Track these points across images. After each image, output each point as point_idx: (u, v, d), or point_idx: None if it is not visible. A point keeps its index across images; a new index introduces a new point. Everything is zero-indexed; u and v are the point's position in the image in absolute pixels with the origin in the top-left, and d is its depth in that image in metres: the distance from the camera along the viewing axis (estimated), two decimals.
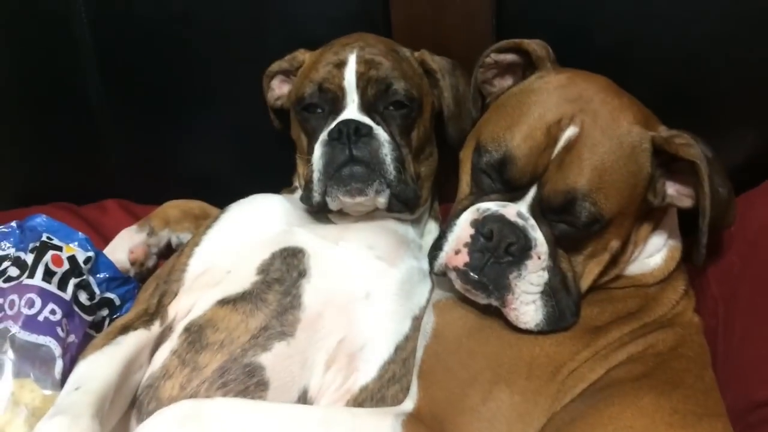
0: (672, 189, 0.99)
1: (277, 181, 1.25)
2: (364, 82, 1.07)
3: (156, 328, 0.98)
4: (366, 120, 1.04)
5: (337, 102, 1.07)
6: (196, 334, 0.97)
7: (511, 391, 0.92)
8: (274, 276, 1.01)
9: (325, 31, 1.19)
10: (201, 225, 1.20)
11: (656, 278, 1.05)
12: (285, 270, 1.02)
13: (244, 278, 1.01)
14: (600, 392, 0.92)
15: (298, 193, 1.17)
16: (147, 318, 0.99)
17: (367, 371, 0.98)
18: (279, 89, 1.25)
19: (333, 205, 1.05)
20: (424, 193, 1.13)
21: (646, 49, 1.17)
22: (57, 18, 1.31)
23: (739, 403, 1.02)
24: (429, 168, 1.15)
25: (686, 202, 0.99)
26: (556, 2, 1.19)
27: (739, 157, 1.18)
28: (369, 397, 0.97)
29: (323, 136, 1.05)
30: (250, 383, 0.94)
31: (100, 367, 0.90)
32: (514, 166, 0.93)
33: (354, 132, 1.02)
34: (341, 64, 1.08)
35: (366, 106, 1.06)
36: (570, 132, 0.92)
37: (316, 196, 1.05)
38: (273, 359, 0.95)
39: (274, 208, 1.12)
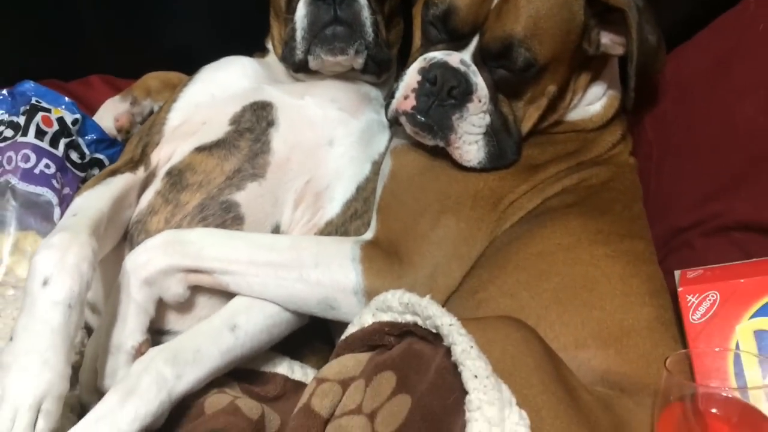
0: (606, 38, 1.07)
1: (251, 49, 1.31)
2: None
3: (141, 172, 1.08)
4: None
5: None
6: (177, 176, 1.07)
7: (457, 218, 1.03)
8: (245, 126, 1.11)
9: None
10: None
11: (595, 124, 1.15)
12: (255, 120, 1.11)
13: (218, 128, 1.10)
14: (535, 218, 1.05)
15: (270, 55, 1.24)
16: (132, 164, 1.08)
17: (332, 208, 1.09)
18: None
19: (314, 63, 1.12)
20: (393, 57, 1.20)
21: None
22: None
23: (666, 231, 1.15)
24: (396, 35, 1.23)
25: (619, 50, 1.07)
26: None
27: (677, 12, 1.24)
28: (334, 231, 1.09)
29: None
30: (227, 217, 1.05)
31: (93, 199, 0.99)
32: (456, 16, 1.01)
33: None
34: None
35: None
36: None
37: (299, 54, 1.11)
38: (246, 197, 1.06)
39: (245, 68, 1.20)
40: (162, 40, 1.50)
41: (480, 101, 1.02)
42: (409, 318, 0.83)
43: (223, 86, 1.16)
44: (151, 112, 1.40)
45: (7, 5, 1.47)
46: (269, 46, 1.28)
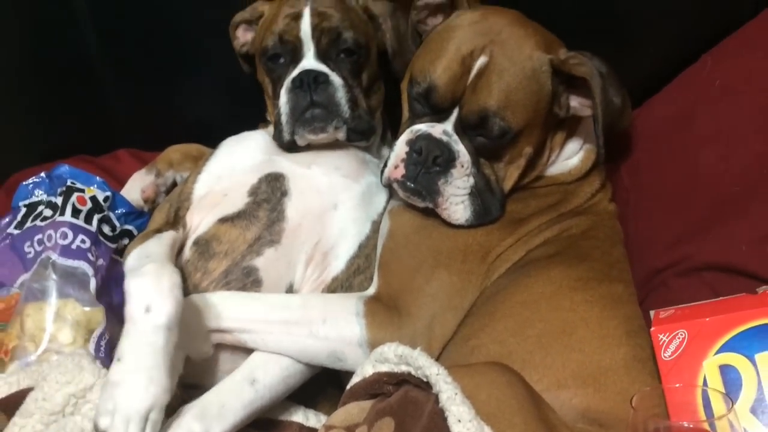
0: (575, 101, 1.18)
1: (262, 121, 1.45)
2: (318, 32, 1.24)
3: (180, 232, 1.20)
4: (322, 68, 1.23)
5: (296, 51, 1.26)
6: (204, 246, 1.19)
7: (449, 272, 1.14)
8: (262, 197, 1.22)
9: None
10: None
11: (574, 176, 1.26)
12: (270, 191, 1.23)
13: (238, 200, 1.22)
14: (520, 269, 1.15)
15: (272, 127, 1.36)
16: (169, 225, 1.21)
17: (337, 265, 1.21)
18: (243, 37, 1.41)
19: (300, 141, 1.25)
20: (375, 122, 1.32)
21: None
22: None
23: (645, 271, 1.24)
24: (377, 100, 1.35)
25: (587, 112, 1.18)
26: None
27: (645, 69, 1.36)
28: (339, 286, 1.20)
29: (287, 83, 1.23)
30: (248, 281, 1.17)
31: (153, 246, 1.11)
32: (436, 93, 1.13)
33: (313, 80, 1.21)
34: (297, 17, 1.25)
35: (321, 54, 1.24)
36: (481, 61, 1.11)
37: (286, 135, 1.24)
38: (264, 262, 1.18)
39: (258, 142, 1.33)
40: (182, 115, 1.65)
41: (463, 166, 1.13)
42: (404, 368, 0.94)
43: (240, 159, 1.29)
44: (174, 182, 1.53)
45: (38, 88, 1.63)
46: (269, 118, 1.40)
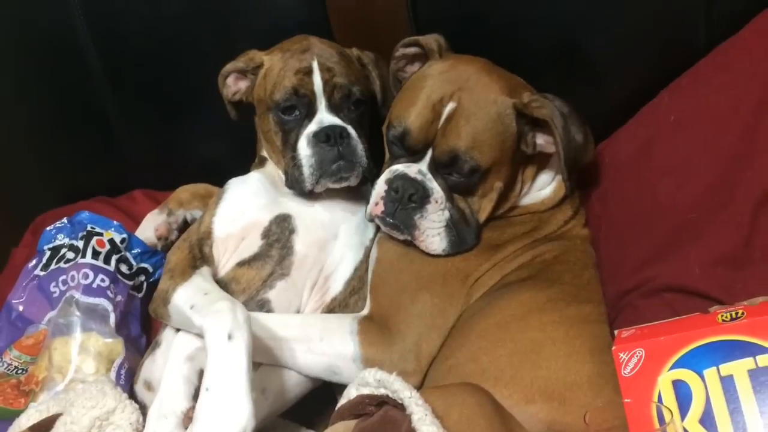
0: (541, 139, 1.28)
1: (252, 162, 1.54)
2: (329, 88, 1.32)
3: (212, 267, 1.31)
4: (340, 122, 1.31)
5: (311, 105, 1.33)
6: (224, 287, 1.27)
7: (431, 294, 1.24)
8: (274, 238, 1.33)
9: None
10: (208, 202, 1.57)
11: (547, 206, 1.35)
12: (280, 231, 1.33)
13: (253, 244, 1.33)
14: (495, 292, 1.24)
15: (269, 165, 1.45)
16: (200, 259, 1.30)
17: (336, 287, 1.32)
18: (235, 85, 1.46)
19: (319, 188, 1.32)
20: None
21: (533, 27, 1.44)
22: (67, 48, 1.60)
23: (614, 293, 1.32)
24: (366, 142, 1.43)
25: (552, 149, 1.27)
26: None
27: (611, 102, 1.46)
28: (337, 305, 1.31)
29: (309, 137, 1.30)
30: (262, 312, 1.27)
31: (202, 282, 1.23)
32: (410, 136, 1.25)
33: (338, 136, 1.30)
34: (309, 72, 1.32)
35: (334, 108, 1.33)
36: (450, 107, 1.22)
37: (308, 186, 1.31)
38: (276, 294, 1.29)
39: (259, 185, 1.41)
40: (190, 157, 1.76)
41: (437, 202, 1.24)
42: (382, 391, 1.05)
43: (248, 202, 1.37)
44: (185, 220, 1.65)
45: (59, 137, 1.77)
46: (265, 155, 1.46)
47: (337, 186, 1.33)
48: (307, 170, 1.31)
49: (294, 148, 1.34)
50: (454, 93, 1.23)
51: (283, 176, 1.40)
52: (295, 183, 1.34)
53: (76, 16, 1.57)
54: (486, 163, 1.23)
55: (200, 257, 1.33)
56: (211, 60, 1.56)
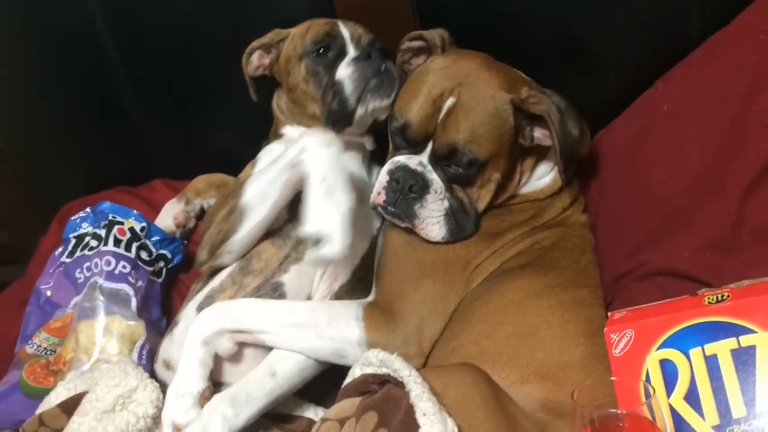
0: (538, 132, 1.32)
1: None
2: (357, 36, 1.41)
3: None
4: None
5: (342, 47, 1.39)
6: (246, 261, 1.35)
7: (433, 281, 1.29)
8: (296, 217, 1.34)
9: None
10: (224, 190, 1.64)
11: (546, 194, 1.39)
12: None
13: (280, 218, 1.37)
14: (495, 279, 1.29)
15: (284, 138, 1.49)
16: None
17: (344, 275, 1.38)
18: (259, 61, 1.51)
19: (360, 111, 1.34)
20: None
21: (532, 19, 1.48)
22: (87, 45, 1.67)
23: (611, 277, 1.37)
24: None
25: (549, 142, 1.31)
26: None
27: (608, 92, 1.50)
28: (344, 293, 1.37)
29: (348, 61, 1.35)
30: (275, 296, 1.33)
31: None
32: (411, 129, 1.30)
33: (378, 52, 1.37)
34: (336, 25, 1.41)
35: (363, 50, 1.38)
36: (450, 102, 1.27)
37: (351, 104, 1.33)
38: (290, 278, 1.35)
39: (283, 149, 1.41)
40: (207, 147, 1.83)
41: (436, 192, 1.29)
42: (384, 370, 1.11)
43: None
44: (202, 208, 1.73)
45: (82, 129, 1.85)
46: (285, 131, 1.51)
47: (379, 104, 1.35)
48: (349, 86, 1.34)
49: (332, 79, 1.36)
50: (454, 88, 1.28)
51: None
52: (336, 113, 1.36)
53: (95, 14, 1.64)
54: (484, 155, 1.28)
55: None
56: (224, 56, 1.63)
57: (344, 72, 1.36)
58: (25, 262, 1.83)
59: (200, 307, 1.34)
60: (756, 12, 1.30)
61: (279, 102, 1.55)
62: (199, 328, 1.26)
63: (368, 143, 1.48)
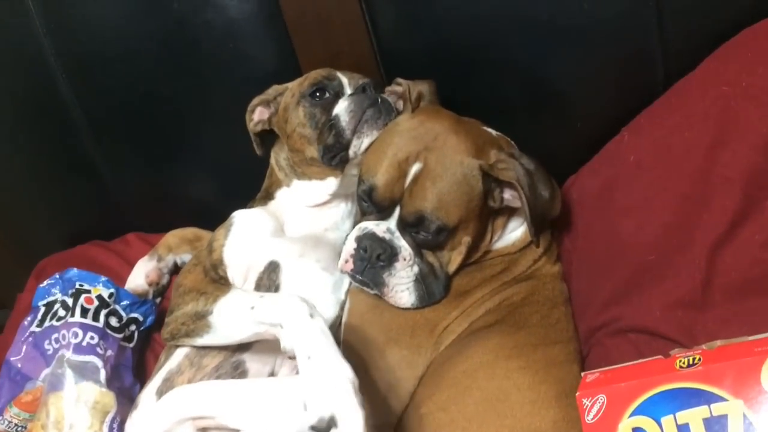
0: (508, 194, 1.29)
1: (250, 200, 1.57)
2: (354, 80, 1.41)
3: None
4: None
5: (340, 88, 1.39)
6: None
7: (400, 347, 1.27)
8: (264, 288, 1.34)
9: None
10: (197, 245, 1.63)
11: (517, 247, 1.37)
12: (268, 285, 1.35)
13: (248, 287, 1.34)
14: (463, 340, 1.27)
15: (275, 202, 1.48)
16: (218, 281, 1.32)
17: None
18: (260, 116, 1.51)
19: (356, 143, 1.32)
20: None
21: (498, 67, 1.46)
22: (52, 104, 1.66)
23: (586, 329, 1.34)
24: None
25: (518, 204, 1.28)
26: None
27: (577, 138, 1.48)
28: None
29: (345, 96, 1.36)
30: (235, 374, 1.30)
31: (242, 294, 1.25)
32: (377, 193, 1.26)
33: (373, 88, 1.37)
34: (333, 72, 1.42)
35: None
36: (416, 167, 1.24)
37: (347, 135, 1.31)
38: (251, 355, 1.31)
39: (263, 224, 1.42)
40: (183, 199, 1.81)
41: (405, 259, 1.27)
42: None
43: (253, 241, 1.39)
44: (175, 264, 1.71)
45: (54, 186, 1.84)
46: (278, 195, 1.49)
47: (375, 132, 1.32)
48: (345, 118, 1.32)
49: (329, 117, 1.35)
50: (420, 153, 1.25)
51: (284, 218, 1.44)
52: (332, 147, 1.34)
53: (57, 76, 1.63)
54: (453, 222, 1.25)
55: (218, 279, 1.34)
56: (188, 112, 1.63)
57: (341, 107, 1.34)
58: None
59: (159, 392, 1.32)
60: (718, 60, 1.27)
61: (278, 158, 1.52)
62: (158, 419, 1.23)
63: None
